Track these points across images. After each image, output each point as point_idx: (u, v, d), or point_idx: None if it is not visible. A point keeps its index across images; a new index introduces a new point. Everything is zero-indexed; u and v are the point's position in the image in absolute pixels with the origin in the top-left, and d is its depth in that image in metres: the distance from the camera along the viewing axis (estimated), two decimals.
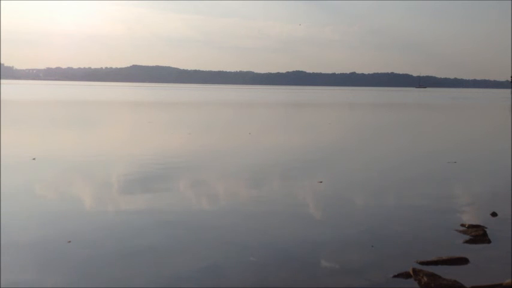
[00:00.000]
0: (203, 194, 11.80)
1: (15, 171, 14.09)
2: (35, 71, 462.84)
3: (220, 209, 10.47)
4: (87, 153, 18.08)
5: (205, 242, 8.20)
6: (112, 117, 40.46)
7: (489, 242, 8.45)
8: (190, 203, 10.99)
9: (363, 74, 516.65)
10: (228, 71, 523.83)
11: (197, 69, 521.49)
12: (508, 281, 6.65)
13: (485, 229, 8.96)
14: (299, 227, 9.17)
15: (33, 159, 15.99)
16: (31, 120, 33.65)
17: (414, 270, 6.91)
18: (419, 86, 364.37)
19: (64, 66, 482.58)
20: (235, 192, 12.26)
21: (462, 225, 9.27)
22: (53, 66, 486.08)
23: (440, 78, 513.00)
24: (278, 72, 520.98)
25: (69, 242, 8.05)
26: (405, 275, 6.88)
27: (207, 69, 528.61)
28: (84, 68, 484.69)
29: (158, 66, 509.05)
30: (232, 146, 21.62)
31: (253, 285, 6.60)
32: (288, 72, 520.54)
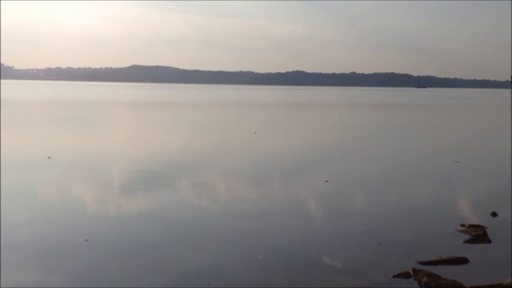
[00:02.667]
0: (214, 193, 11.97)
1: (33, 170, 14.38)
2: (35, 71, 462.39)
3: (228, 207, 10.57)
4: (100, 152, 18.56)
5: (212, 242, 8.26)
6: (118, 117, 40.66)
7: (489, 242, 8.46)
8: (205, 201, 11.10)
9: (363, 74, 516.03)
10: (228, 71, 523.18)
11: (197, 69, 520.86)
12: (508, 281, 6.66)
13: (485, 229, 8.97)
14: (301, 226, 9.20)
15: (49, 157, 16.23)
16: (39, 120, 33.72)
17: (414, 270, 6.92)
18: (419, 86, 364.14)
19: (64, 66, 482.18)
20: (243, 191, 12.40)
21: (462, 225, 9.28)
22: (53, 66, 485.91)
23: (440, 78, 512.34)
24: (278, 72, 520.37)
25: (86, 240, 8.17)
26: (405, 275, 6.89)
27: (207, 69, 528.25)
28: (84, 68, 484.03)
29: (158, 66, 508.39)
30: (238, 145, 21.77)
31: (254, 285, 6.62)
32: (288, 72, 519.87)
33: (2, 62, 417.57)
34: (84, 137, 24.17)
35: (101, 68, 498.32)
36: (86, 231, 8.60)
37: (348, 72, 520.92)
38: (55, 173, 14.02)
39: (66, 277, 6.77)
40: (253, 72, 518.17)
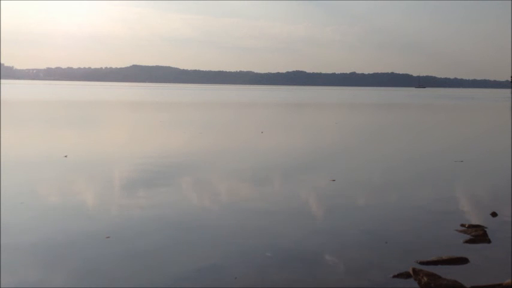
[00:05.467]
0: (225, 191, 12.12)
1: (52, 168, 14.55)
2: (35, 71, 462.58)
3: (237, 206, 10.66)
4: (113, 151, 18.88)
5: (223, 240, 8.31)
6: (123, 117, 40.66)
7: (489, 242, 8.45)
8: (217, 200, 11.22)
9: (363, 74, 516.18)
10: (228, 71, 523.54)
11: (197, 69, 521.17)
12: (508, 281, 6.66)
13: (485, 229, 8.97)
14: (306, 225, 9.23)
15: (65, 156, 16.45)
16: (46, 120, 33.63)
17: (414, 270, 6.92)
18: (419, 86, 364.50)
19: (64, 66, 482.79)
20: (253, 190, 12.45)
21: (462, 225, 9.28)
22: (53, 66, 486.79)
23: (440, 78, 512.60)
24: (278, 72, 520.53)
25: (108, 237, 8.25)
26: (405, 275, 6.89)
27: (207, 69, 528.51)
28: (84, 68, 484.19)
29: (158, 66, 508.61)
30: (245, 144, 21.82)
31: (254, 285, 6.62)
32: (288, 72, 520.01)
33: (2, 62, 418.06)
34: (94, 136, 24.42)
35: (101, 68, 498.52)
36: (108, 229, 8.71)
37: (348, 72, 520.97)
38: (74, 171, 14.29)
39: (86, 274, 6.81)
40: (253, 72, 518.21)
